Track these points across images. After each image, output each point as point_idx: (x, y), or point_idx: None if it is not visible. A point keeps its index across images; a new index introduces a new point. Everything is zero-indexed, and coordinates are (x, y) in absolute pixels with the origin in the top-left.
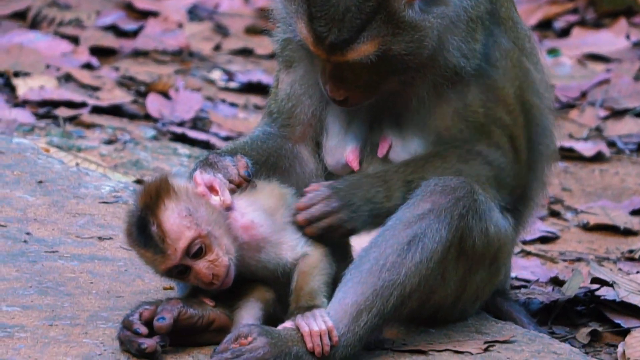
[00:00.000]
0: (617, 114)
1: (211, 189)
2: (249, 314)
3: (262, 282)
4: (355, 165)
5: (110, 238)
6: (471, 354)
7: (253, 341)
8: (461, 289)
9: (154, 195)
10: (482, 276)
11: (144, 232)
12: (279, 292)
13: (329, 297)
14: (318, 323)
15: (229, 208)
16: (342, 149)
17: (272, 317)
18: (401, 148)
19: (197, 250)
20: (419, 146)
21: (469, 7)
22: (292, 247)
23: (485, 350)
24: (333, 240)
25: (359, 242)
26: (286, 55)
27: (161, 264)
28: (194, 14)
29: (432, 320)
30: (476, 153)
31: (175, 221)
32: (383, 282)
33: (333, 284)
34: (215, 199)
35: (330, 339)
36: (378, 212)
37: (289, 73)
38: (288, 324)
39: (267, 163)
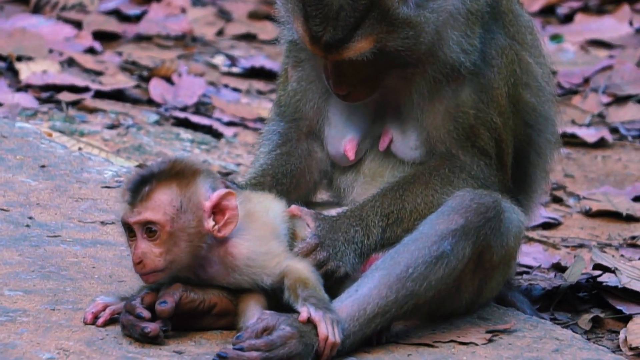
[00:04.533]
0: (620, 100)
1: (219, 212)
2: (256, 299)
3: None
4: (350, 155)
5: (113, 223)
6: (476, 344)
7: (281, 331)
8: (476, 297)
9: (174, 172)
10: (498, 280)
11: (142, 183)
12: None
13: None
14: (336, 334)
15: (217, 239)
16: (341, 139)
17: (272, 303)
18: (401, 142)
19: (151, 232)
20: (417, 141)
21: (468, 0)
22: (271, 272)
23: (490, 340)
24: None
25: None
26: (294, 56)
27: (124, 211)
28: None
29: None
30: (460, 169)
31: (164, 201)
32: (405, 290)
33: None
34: (209, 223)
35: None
36: (361, 251)
37: (296, 70)
38: (303, 311)
39: (291, 185)
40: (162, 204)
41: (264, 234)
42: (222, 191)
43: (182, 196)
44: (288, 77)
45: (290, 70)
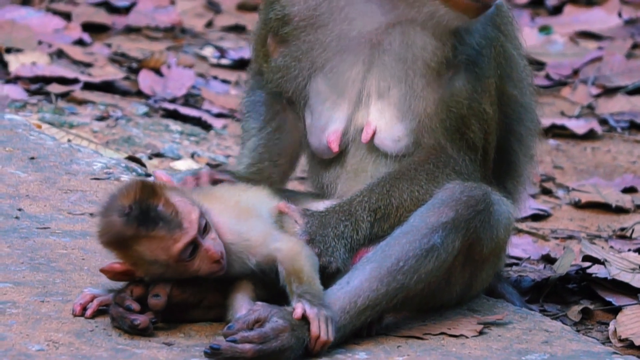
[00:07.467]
0: (609, 91)
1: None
2: (245, 291)
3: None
4: (334, 147)
5: None
6: (466, 337)
7: (274, 324)
8: (466, 289)
9: (145, 187)
10: (487, 272)
11: (149, 215)
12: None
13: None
14: (329, 332)
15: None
16: (324, 130)
17: (260, 296)
18: (385, 134)
19: (205, 225)
20: (402, 133)
21: None
22: (257, 252)
23: (480, 332)
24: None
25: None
26: (280, 34)
27: (177, 242)
28: None
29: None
30: (444, 163)
31: (179, 197)
32: (396, 283)
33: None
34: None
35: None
36: (350, 246)
37: (281, 46)
38: (298, 307)
39: (287, 164)
40: (183, 200)
41: (240, 213)
42: (189, 172)
43: (176, 198)
44: (272, 51)
45: (274, 42)
